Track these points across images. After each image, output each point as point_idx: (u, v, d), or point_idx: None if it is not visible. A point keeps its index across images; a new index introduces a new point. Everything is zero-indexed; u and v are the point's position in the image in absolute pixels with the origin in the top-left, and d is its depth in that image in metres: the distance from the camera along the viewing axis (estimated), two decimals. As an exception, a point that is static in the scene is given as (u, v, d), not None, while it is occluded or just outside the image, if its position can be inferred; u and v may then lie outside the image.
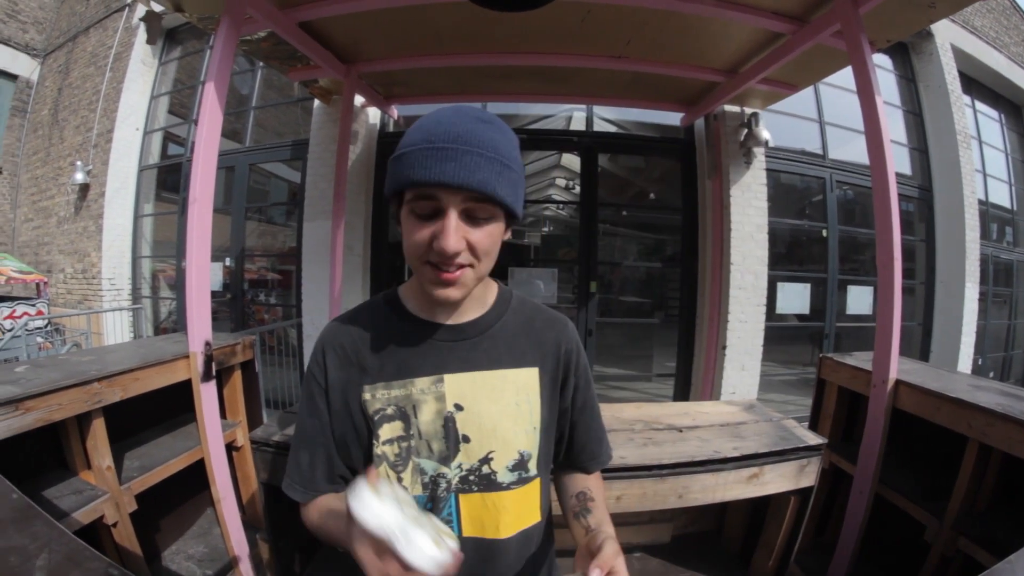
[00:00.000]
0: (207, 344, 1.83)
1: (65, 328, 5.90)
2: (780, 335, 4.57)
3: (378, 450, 0.77)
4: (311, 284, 4.26)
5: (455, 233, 0.65)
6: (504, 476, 0.78)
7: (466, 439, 0.77)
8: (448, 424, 0.77)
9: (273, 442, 1.50)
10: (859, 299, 4.85)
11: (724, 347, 4.02)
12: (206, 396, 1.83)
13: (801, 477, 1.56)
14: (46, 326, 5.57)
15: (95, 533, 1.53)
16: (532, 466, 0.81)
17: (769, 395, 4.53)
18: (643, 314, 5.10)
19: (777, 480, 1.53)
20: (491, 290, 0.85)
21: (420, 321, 0.80)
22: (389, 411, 0.77)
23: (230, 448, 2.09)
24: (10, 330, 5.12)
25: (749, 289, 4.05)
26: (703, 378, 4.16)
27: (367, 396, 0.78)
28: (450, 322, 0.80)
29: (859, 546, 1.90)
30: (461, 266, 0.68)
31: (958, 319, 5.11)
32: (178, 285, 5.84)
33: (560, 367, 0.85)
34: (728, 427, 1.69)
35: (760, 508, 1.73)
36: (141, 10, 5.71)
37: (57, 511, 1.39)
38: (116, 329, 5.71)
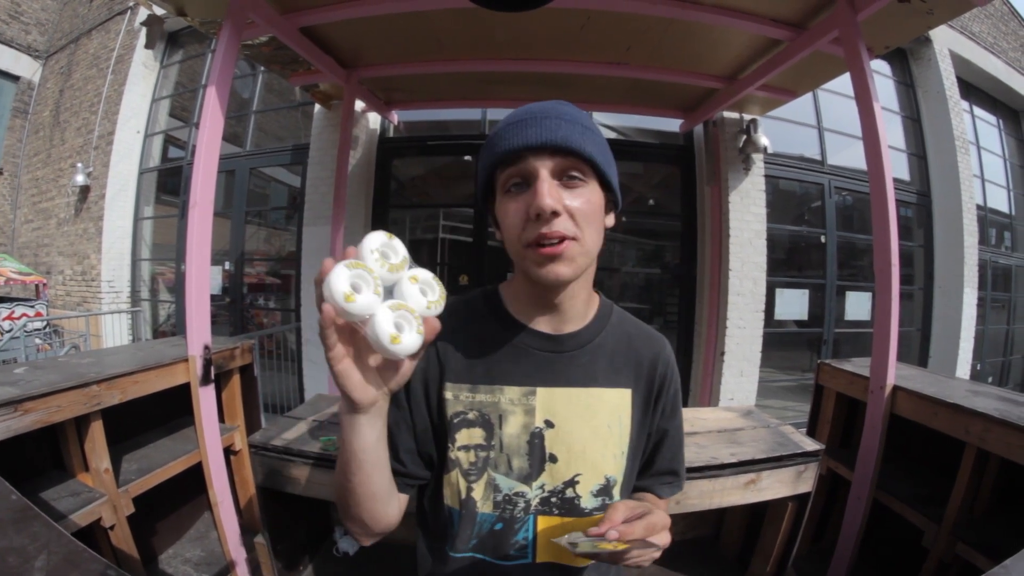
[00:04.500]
0: (206, 348, 1.83)
1: (64, 330, 5.90)
2: (779, 341, 4.58)
3: (452, 454, 0.72)
4: (310, 289, 4.25)
5: (547, 189, 0.62)
6: (588, 501, 0.73)
7: (553, 459, 0.72)
8: (534, 441, 0.72)
9: (271, 446, 1.50)
10: (857, 305, 4.86)
11: (722, 353, 4.02)
12: (204, 400, 1.83)
13: (799, 483, 1.56)
14: (45, 328, 5.56)
15: (92, 536, 1.53)
16: (616, 493, 0.75)
17: (767, 401, 4.53)
18: (641, 320, 5.04)
19: (774, 486, 1.53)
20: (594, 301, 0.80)
21: (518, 325, 0.75)
22: (471, 416, 0.72)
23: (228, 452, 2.09)
24: (9, 331, 5.11)
25: (748, 295, 4.06)
26: (701, 384, 4.17)
27: (448, 395, 0.73)
28: (550, 331, 0.75)
29: (857, 552, 1.89)
30: (564, 238, 0.63)
31: (956, 324, 5.11)
32: (177, 288, 5.84)
33: (653, 390, 0.80)
34: (726, 433, 1.69)
35: (758, 514, 1.73)
36: (143, 13, 5.74)
37: (55, 513, 1.39)
38: (115, 332, 5.71)
